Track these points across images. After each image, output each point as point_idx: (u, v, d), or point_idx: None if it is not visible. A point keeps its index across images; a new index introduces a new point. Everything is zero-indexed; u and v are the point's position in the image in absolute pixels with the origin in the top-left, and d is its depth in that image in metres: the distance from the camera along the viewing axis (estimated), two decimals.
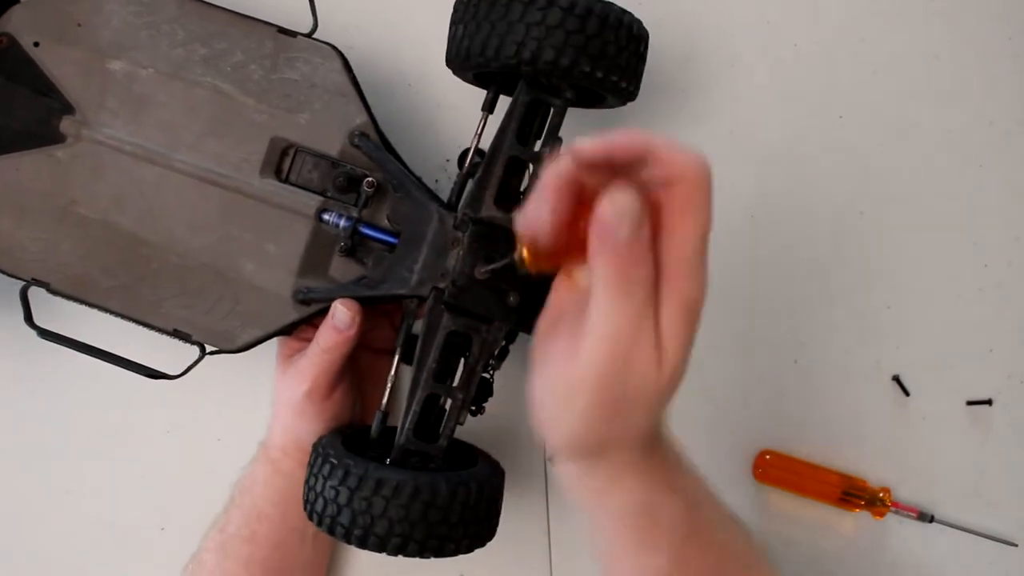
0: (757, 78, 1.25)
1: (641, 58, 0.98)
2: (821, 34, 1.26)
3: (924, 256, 1.25)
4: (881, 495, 1.21)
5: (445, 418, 0.99)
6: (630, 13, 0.95)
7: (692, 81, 1.25)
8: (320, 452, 0.95)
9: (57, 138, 1.04)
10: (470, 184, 0.98)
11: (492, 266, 0.92)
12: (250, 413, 1.15)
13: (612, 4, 0.93)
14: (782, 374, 1.24)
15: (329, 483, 0.91)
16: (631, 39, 0.94)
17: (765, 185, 1.24)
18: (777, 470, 1.21)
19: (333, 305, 1.01)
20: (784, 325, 1.24)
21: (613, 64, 0.93)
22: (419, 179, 1.03)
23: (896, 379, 1.24)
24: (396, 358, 1.02)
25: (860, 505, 1.21)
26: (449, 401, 0.99)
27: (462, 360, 1.00)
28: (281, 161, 1.04)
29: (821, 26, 1.26)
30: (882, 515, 1.22)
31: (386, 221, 1.04)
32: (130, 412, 1.21)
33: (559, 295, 0.80)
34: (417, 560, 0.91)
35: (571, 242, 0.70)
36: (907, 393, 1.24)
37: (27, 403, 1.21)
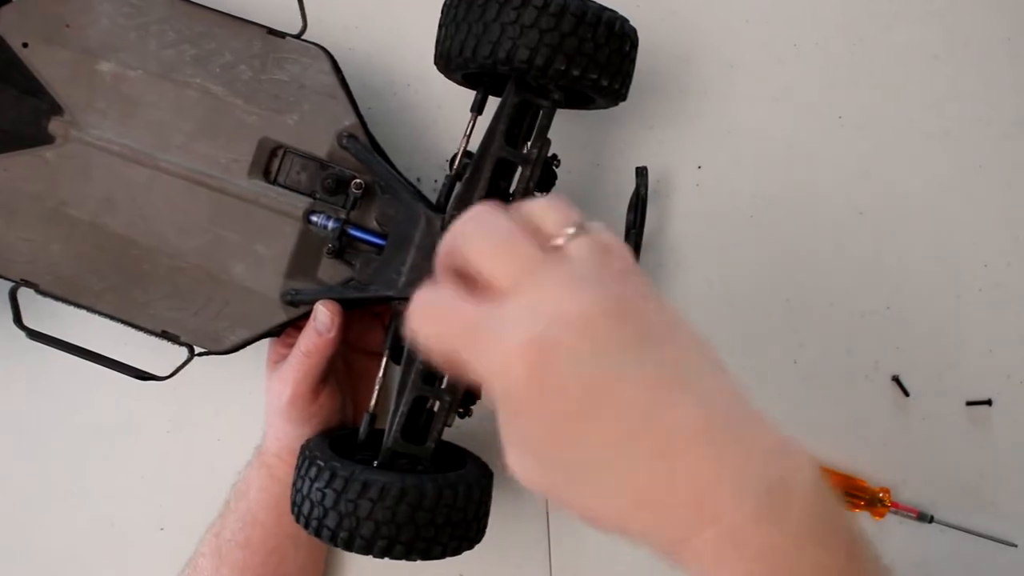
0: (757, 78, 1.25)
1: (626, 56, 0.97)
2: (821, 34, 1.25)
3: (924, 256, 1.24)
4: (881, 495, 1.21)
5: (433, 420, 0.99)
6: (612, 10, 0.94)
7: (691, 81, 1.24)
8: (307, 455, 0.95)
9: (46, 139, 1.04)
10: (458, 186, 0.98)
11: None
12: (250, 414, 1.16)
13: (590, 1, 0.93)
14: (782, 374, 1.24)
15: (316, 485, 0.91)
16: (611, 36, 0.93)
17: (765, 185, 1.24)
18: None
19: (315, 307, 1.01)
20: (784, 325, 1.24)
21: (592, 62, 0.92)
22: (407, 181, 1.03)
23: (896, 379, 1.23)
24: (384, 360, 1.02)
25: (860, 505, 1.21)
26: (437, 403, 0.99)
27: None
28: (270, 162, 1.04)
29: (821, 26, 1.25)
30: (882, 515, 1.21)
31: (374, 223, 1.03)
32: (130, 412, 1.21)
33: None
34: (415, 563, 0.92)
35: None
36: (907, 393, 1.23)
37: (26, 404, 1.21)
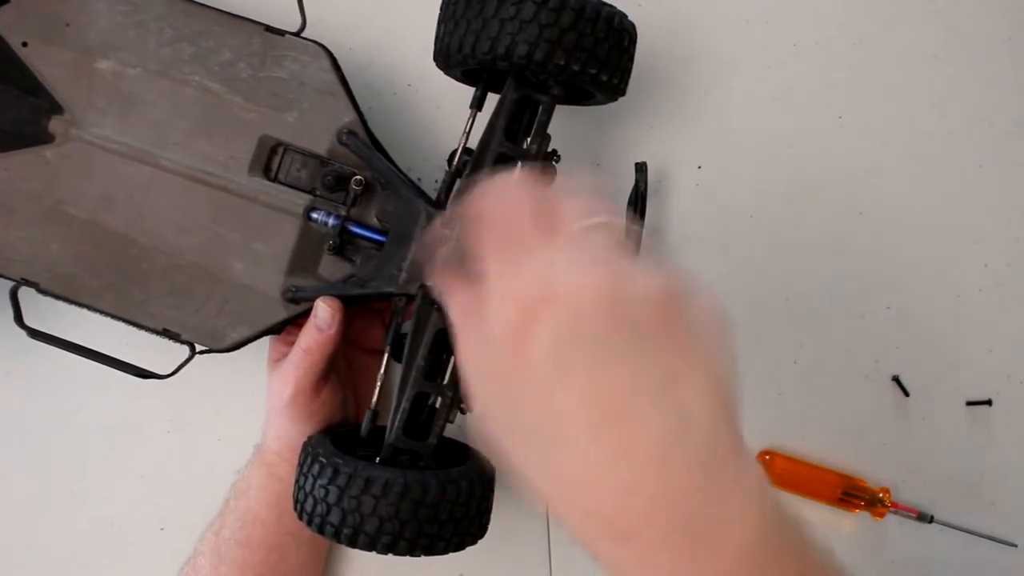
0: (757, 78, 1.25)
1: (625, 51, 0.97)
2: (821, 34, 1.25)
3: (924, 256, 1.25)
4: (881, 495, 1.21)
5: (435, 416, 0.98)
6: (610, 5, 0.94)
7: (692, 81, 1.24)
8: (309, 451, 0.94)
9: (46, 138, 1.04)
10: (458, 183, 0.98)
11: None
12: (251, 413, 1.15)
13: None
14: (782, 374, 1.24)
15: (318, 482, 0.91)
16: (610, 31, 0.93)
17: (765, 185, 1.24)
18: (777, 470, 1.21)
19: (315, 304, 1.01)
20: (784, 325, 1.24)
21: (591, 58, 0.92)
22: (407, 177, 1.02)
23: (896, 379, 1.24)
24: (385, 357, 1.02)
25: (860, 505, 1.21)
26: (439, 399, 0.99)
27: (452, 358, 1.00)
28: (270, 160, 1.04)
29: (821, 26, 1.25)
30: (882, 515, 1.22)
31: (375, 219, 1.03)
32: (131, 412, 1.21)
33: None
34: (415, 562, 0.91)
35: None
36: (907, 393, 1.23)
37: (26, 404, 1.21)
